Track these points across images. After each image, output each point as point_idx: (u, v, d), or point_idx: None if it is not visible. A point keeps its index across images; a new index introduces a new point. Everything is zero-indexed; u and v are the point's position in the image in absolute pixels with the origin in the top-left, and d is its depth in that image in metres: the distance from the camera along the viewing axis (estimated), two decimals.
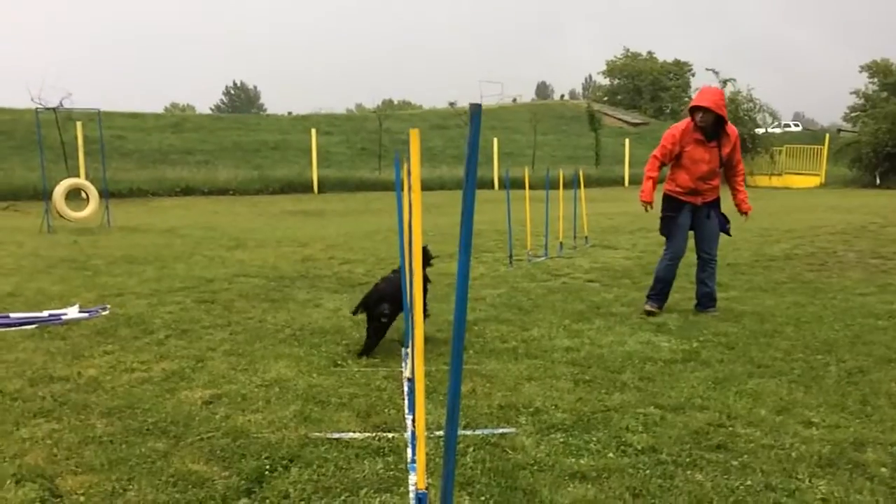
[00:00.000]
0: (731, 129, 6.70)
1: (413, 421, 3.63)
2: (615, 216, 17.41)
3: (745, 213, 6.91)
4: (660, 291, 6.89)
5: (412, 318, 3.03)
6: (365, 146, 37.35)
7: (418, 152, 2.53)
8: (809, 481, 3.27)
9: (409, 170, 3.01)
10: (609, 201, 23.36)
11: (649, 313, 6.71)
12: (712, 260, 6.86)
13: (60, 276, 8.99)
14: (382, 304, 5.32)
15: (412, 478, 3.26)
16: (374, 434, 3.83)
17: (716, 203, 6.82)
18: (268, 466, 3.41)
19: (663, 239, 6.99)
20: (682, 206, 6.74)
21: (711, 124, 6.52)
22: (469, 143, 1.96)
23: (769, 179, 33.85)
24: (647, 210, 6.89)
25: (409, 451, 3.56)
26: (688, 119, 6.65)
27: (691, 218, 6.78)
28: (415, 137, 2.49)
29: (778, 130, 40.24)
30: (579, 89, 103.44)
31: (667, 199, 6.85)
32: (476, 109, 1.90)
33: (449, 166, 32.92)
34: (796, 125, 38.24)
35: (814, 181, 33.44)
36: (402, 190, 4.71)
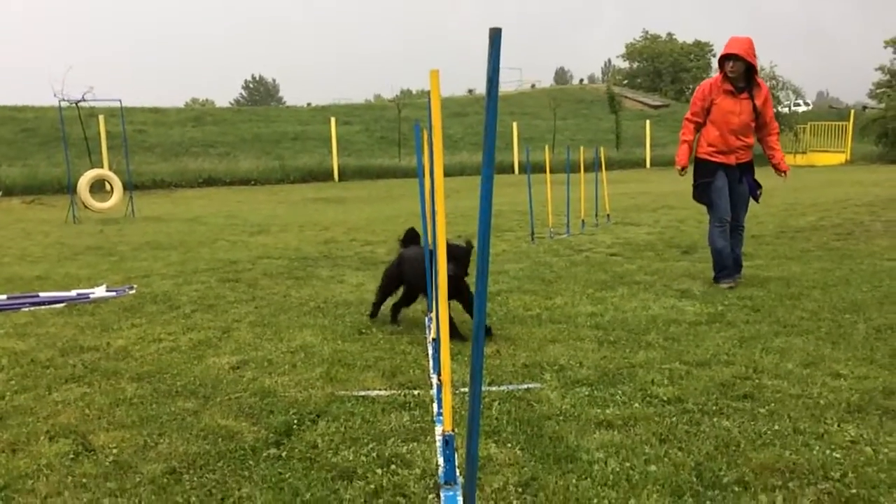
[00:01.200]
0: (762, 82, 6.59)
1: (439, 376, 3.64)
2: (637, 196, 17.30)
3: (784, 172, 6.72)
4: (725, 264, 6.55)
5: (434, 279, 3.03)
6: (384, 135, 37.40)
7: (438, 95, 2.53)
8: (838, 426, 3.24)
9: (430, 119, 3.01)
10: (631, 182, 23.22)
11: (731, 288, 6.37)
12: (740, 226, 6.72)
13: (87, 262, 9.11)
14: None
15: (438, 428, 3.28)
16: (399, 391, 3.85)
17: (749, 167, 6.62)
18: (295, 421, 3.45)
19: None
20: (715, 169, 6.52)
21: (742, 74, 6.39)
22: (489, 72, 1.95)
23: (794, 157, 33.39)
24: (681, 174, 6.77)
25: (435, 405, 3.58)
26: (717, 74, 6.56)
27: (727, 181, 6.54)
28: (434, 78, 2.50)
29: (802, 108, 39.67)
30: (598, 74, 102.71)
31: (699, 164, 6.65)
32: (496, 34, 1.90)
33: (469, 153, 32.88)
34: (807, 104, 37.56)
35: (839, 158, 32.99)
36: (423, 151, 4.70)
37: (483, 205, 1.92)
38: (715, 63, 6.75)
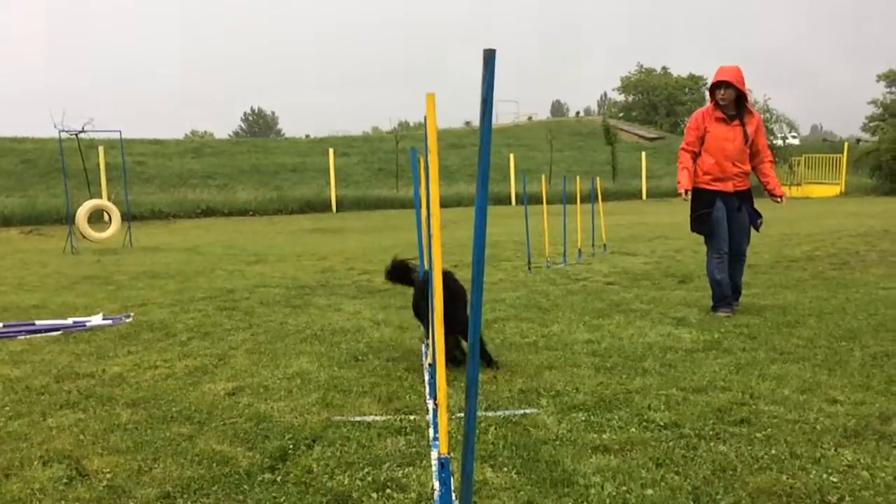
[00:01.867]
0: (753, 110, 6.65)
1: (434, 401, 3.63)
2: (633, 226, 17.37)
3: (781, 198, 6.73)
4: (723, 294, 6.56)
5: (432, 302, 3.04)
6: (382, 166, 37.58)
7: (434, 117, 2.57)
8: (835, 450, 3.24)
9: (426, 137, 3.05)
10: (627, 213, 23.31)
11: (728, 317, 6.36)
12: (741, 255, 6.71)
13: (84, 291, 9.11)
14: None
15: (434, 452, 3.27)
16: (395, 416, 3.84)
17: (747, 195, 6.63)
18: (291, 446, 3.43)
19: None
20: (713, 198, 6.51)
21: (733, 102, 6.46)
22: (483, 93, 1.99)
23: (789, 189, 33.57)
24: (685, 198, 6.64)
25: (431, 430, 3.57)
26: (709, 103, 6.63)
27: (726, 211, 6.53)
28: (430, 102, 2.53)
29: (796, 141, 40.01)
30: (594, 106, 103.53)
31: (697, 194, 6.62)
32: (490, 55, 1.94)
33: (466, 184, 33.03)
34: (793, 137, 37.91)
35: (833, 190, 33.20)
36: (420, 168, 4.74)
37: (478, 219, 1.94)
38: (708, 95, 6.79)
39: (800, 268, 9.41)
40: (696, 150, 6.60)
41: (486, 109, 2.10)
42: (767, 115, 34.71)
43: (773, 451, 3.22)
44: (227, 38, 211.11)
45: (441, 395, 2.73)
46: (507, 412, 3.85)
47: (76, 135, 17.19)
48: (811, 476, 2.96)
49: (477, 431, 3.49)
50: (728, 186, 6.53)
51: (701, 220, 6.61)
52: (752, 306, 6.82)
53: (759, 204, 6.75)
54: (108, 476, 3.15)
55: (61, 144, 16.63)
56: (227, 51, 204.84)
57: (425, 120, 2.64)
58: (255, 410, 4.01)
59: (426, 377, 4.50)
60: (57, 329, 6.50)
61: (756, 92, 38.01)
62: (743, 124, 6.48)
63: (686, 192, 6.61)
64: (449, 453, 2.70)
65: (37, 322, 6.77)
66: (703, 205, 6.59)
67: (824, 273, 8.87)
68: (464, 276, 8.21)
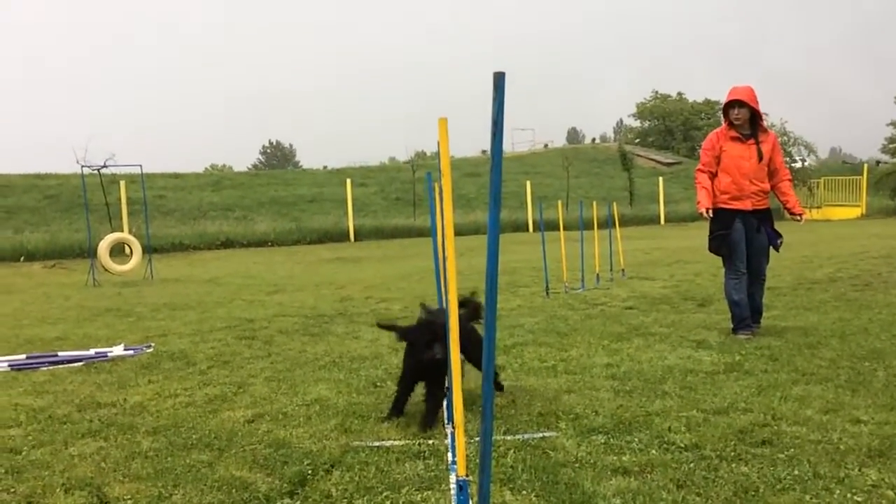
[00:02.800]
0: (768, 129, 6.65)
1: (452, 424, 3.63)
2: (652, 251, 17.31)
3: (800, 216, 6.69)
4: (741, 316, 6.52)
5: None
6: (399, 196, 37.78)
7: (447, 141, 2.60)
8: (859, 470, 3.19)
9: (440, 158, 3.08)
10: (645, 238, 23.22)
11: (749, 339, 6.31)
12: (761, 275, 6.67)
13: (106, 323, 9.19)
14: (434, 345, 4.11)
15: (453, 476, 3.26)
16: (414, 441, 3.84)
17: (766, 214, 6.59)
18: (310, 471, 3.44)
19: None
20: (732, 218, 6.48)
21: (748, 121, 6.46)
22: (494, 115, 2.02)
23: (809, 212, 33.30)
24: (707, 217, 6.61)
25: (450, 454, 3.56)
26: (723, 124, 6.64)
27: (744, 232, 6.50)
28: (443, 126, 2.57)
29: (809, 163, 39.77)
30: (610, 133, 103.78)
31: (715, 214, 6.57)
32: (500, 77, 1.97)
33: (483, 212, 33.05)
34: (803, 160, 37.72)
35: (854, 212, 32.91)
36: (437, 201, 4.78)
37: (491, 237, 1.96)
38: (722, 116, 6.80)
39: (822, 289, 9.32)
40: (712, 170, 6.60)
41: (496, 131, 2.13)
42: (785, 137, 34.60)
43: (796, 472, 3.18)
44: (247, 74, 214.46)
45: (458, 417, 2.74)
46: (525, 435, 3.84)
47: (98, 170, 17.47)
48: (835, 496, 2.91)
49: (496, 455, 3.48)
50: (746, 205, 6.50)
51: (719, 241, 6.59)
52: (774, 328, 6.76)
53: (780, 225, 6.72)
54: (130, 503, 3.17)
55: (84, 180, 16.91)
56: (246, 84, 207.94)
57: (439, 145, 2.67)
58: (275, 437, 4.03)
59: (444, 402, 4.49)
60: (79, 360, 6.56)
61: (773, 115, 37.94)
62: (758, 143, 6.48)
63: (707, 210, 6.57)
64: (467, 476, 2.69)
65: (59, 353, 6.84)
66: (721, 225, 6.56)
67: (846, 294, 8.78)
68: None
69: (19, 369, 6.28)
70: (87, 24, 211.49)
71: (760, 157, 6.46)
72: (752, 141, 6.48)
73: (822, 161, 47.64)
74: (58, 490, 3.35)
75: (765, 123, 6.68)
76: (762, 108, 6.61)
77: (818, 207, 33.77)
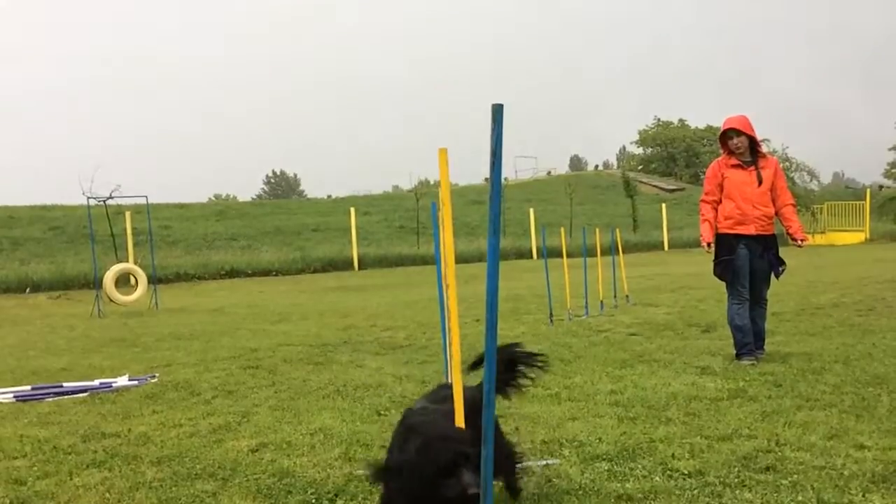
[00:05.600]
0: (768, 155, 6.72)
1: None
2: (655, 277, 17.31)
3: (802, 242, 6.69)
4: (744, 341, 6.53)
5: (449, 340, 3.08)
6: (403, 224, 37.94)
7: (447, 171, 2.65)
8: (863, 495, 3.19)
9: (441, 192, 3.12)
10: (649, 265, 23.23)
11: (753, 365, 6.30)
12: (762, 300, 6.70)
13: (111, 353, 9.22)
14: (462, 472, 2.44)
15: None
16: None
17: (771, 241, 6.61)
18: (313, 500, 3.45)
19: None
20: (736, 244, 6.52)
21: (747, 149, 6.54)
22: (492, 145, 2.07)
23: (812, 237, 33.32)
24: (708, 251, 6.72)
25: None
26: (722, 154, 6.72)
27: (749, 257, 6.52)
28: (443, 156, 2.63)
29: (817, 189, 39.91)
30: (613, 160, 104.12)
31: (720, 240, 6.65)
32: (498, 109, 2.02)
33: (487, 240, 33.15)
34: (803, 182, 37.84)
35: (858, 237, 32.91)
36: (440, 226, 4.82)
37: (490, 263, 2.00)
38: (720, 145, 6.87)
39: (825, 314, 9.31)
40: (716, 198, 6.67)
41: (495, 161, 2.19)
42: (787, 163, 34.73)
43: (800, 498, 3.18)
44: (250, 103, 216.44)
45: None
46: (528, 463, 3.84)
47: (104, 201, 17.62)
48: None
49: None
50: (750, 230, 6.54)
51: (723, 267, 6.64)
52: (778, 354, 6.76)
53: (783, 251, 6.75)
54: None
55: (90, 211, 17.03)
56: (248, 115, 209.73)
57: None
58: (279, 466, 4.03)
59: None
60: (84, 391, 6.58)
61: (774, 141, 38.10)
62: (758, 168, 6.56)
63: (708, 244, 6.70)
64: None
65: (64, 384, 6.86)
66: (725, 250, 6.62)
67: (850, 319, 8.77)
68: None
69: (25, 400, 6.30)
70: (84, 55, 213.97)
71: (760, 182, 6.53)
72: (752, 168, 6.56)
73: (824, 186, 47.73)
74: None
75: (763, 149, 6.76)
76: (764, 135, 6.70)
77: (822, 232, 33.79)
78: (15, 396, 6.40)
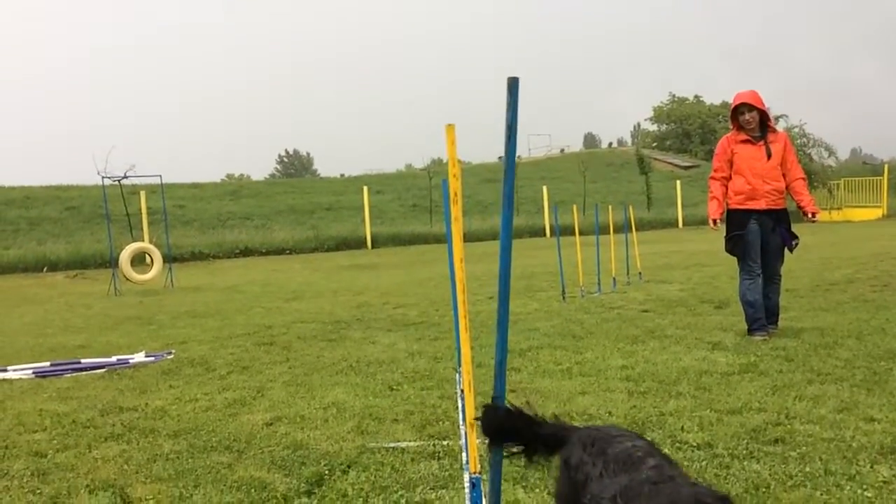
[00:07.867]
0: (777, 129, 6.69)
1: (465, 424, 3.67)
2: (669, 254, 17.26)
3: (813, 215, 6.65)
4: (755, 316, 6.51)
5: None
6: (416, 202, 37.92)
7: (454, 147, 2.66)
8: (871, 467, 3.21)
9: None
10: (663, 242, 23.15)
11: (765, 340, 6.29)
12: (776, 276, 6.69)
13: (127, 331, 9.34)
14: None
15: (467, 475, 3.31)
16: (429, 442, 3.90)
17: (782, 215, 6.60)
18: (326, 471, 3.51)
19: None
20: (747, 219, 6.51)
21: (758, 124, 6.52)
22: (508, 119, 2.09)
23: (829, 213, 33.04)
24: (715, 228, 6.77)
25: (464, 454, 3.61)
26: (732, 130, 6.70)
27: (760, 232, 6.51)
28: (450, 132, 2.64)
29: (834, 164, 39.42)
30: (627, 137, 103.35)
31: (731, 215, 6.66)
32: (514, 82, 2.03)
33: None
34: (819, 157, 37.24)
35: (875, 213, 32.60)
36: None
37: (503, 241, 2.02)
38: (730, 121, 6.83)
39: (839, 290, 9.27)
40: (726, 174, 6.64)
41: (510, 135, 2.20)
42: (804, 139, 34.33)
43: (808, 469, 3.21)
44: (263, 82, 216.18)
45: (471, 417, 2.79)
46: None
47: (119, 181, 17.72)
48: (845, 492, 2.94)
49: (508, 453, 3.52)
50: (761, 204, 6.52)
51: (734, 242, 6.62)
52: (790, 329, 6.75)
53: (797, 227, 6.72)
54: (152, 503, 3.25)
55: (105, 191, 17.15)
56: (262, 94, 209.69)
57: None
58: (292, 439, 4.10)
59: (460, 404, 4.54)
60: (102, 367, 6.68)
61: (792, 117, 37.65)
62: (767, 143, 6.53)
63: (714, 222, 6.72)
64: (480, 473, 2.74)
65: (82, 360, 6.97)
66: (736, 226, 6.61)
67: (864, 295, 8.73)
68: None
69: (44, 376, 6.41)
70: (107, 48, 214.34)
71: (769, 156, 6.50)
72: (762, 142, 6.53)
73: (842, 162, 47.19)
74: (82, 491, 3.44)
75: (773, 124, 6.72)
76: (781, 111, 6.68)
77: (838, 209, 33.49)
78: (34, 373, 6.51)
